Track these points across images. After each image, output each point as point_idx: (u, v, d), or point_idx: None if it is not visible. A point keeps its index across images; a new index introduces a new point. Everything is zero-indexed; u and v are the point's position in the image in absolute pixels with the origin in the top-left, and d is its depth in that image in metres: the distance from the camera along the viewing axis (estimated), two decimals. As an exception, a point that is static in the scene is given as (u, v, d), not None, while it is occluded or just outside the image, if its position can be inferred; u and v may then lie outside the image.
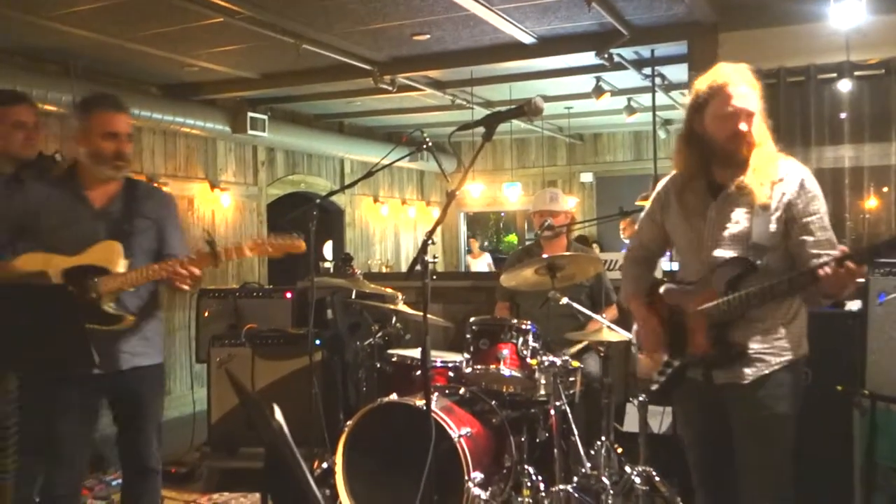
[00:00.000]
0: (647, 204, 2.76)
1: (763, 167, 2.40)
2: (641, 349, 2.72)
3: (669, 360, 2.55)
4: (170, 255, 2.92)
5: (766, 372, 2.39)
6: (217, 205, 7.98)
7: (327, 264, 8.25)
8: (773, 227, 2.38)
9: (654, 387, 2.60)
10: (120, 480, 4.33)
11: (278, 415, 1.63)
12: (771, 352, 2.40)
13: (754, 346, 2.40)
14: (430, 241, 2.54)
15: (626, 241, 8.95)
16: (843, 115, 5.17)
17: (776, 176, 2.40)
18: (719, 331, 2.42)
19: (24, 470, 2.75)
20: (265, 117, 7.94)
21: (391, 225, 11.51)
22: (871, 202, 5.86)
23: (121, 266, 2.78)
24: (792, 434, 2.43)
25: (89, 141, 2.82)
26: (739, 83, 2.41)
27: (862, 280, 3.43)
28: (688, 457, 2.66)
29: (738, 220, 2.42)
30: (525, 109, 2.43)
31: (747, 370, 2.40)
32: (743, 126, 2.39)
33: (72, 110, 2.93)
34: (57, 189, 2.87)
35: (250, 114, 7.73)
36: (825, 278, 2.19)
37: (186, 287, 2.80)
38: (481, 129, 2.55)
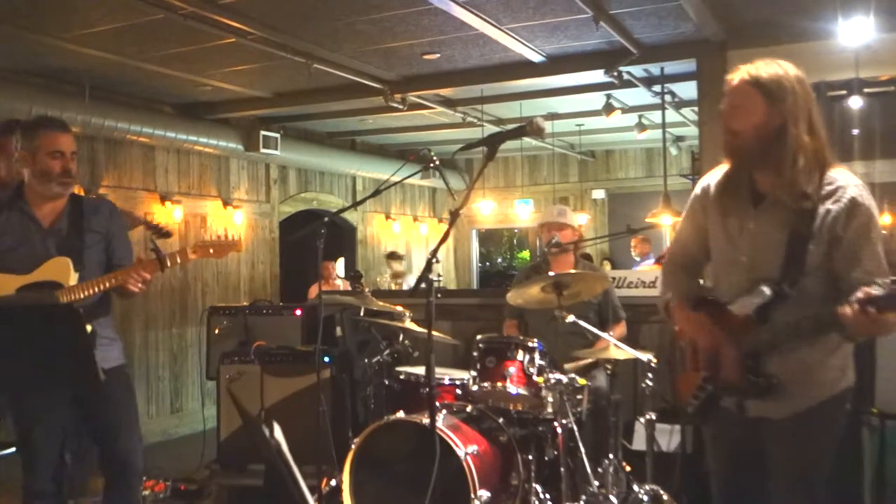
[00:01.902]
0: (689, 200, 2.50)
1: (808, 177, 2.14)
2: (678, 369, 2.52)
3: (703, 384, 2.37)
4: (119, 266, 3.05)
5: (803, 408, 2.21)
6: (230, 222, 8.04)
7: (338, 281, 8.29)
8: (812, 247, 2.14)
9: (690, 409, 2.44)
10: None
11: (278, 433, 1.65)
12: (808, 386, 2.21)
13: (790, 379, 2.19)
14: (434, 260, 2.56)
15: (637, 259, 8.95)
16: (855, 132, 5.15)
17: (824, 189, 2.15)
18: (752, 360, 2.22)
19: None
20: (278, 135, 8.01)
21: (403, 242, 11.54)
22: (885, 219, 5.82)
23: (72, 279, 2.89)
24: (827, 471, 2.26)
25: (36, 160, 2.93)
26: (736, 75, 2.22)
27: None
28: (712, 482, 2.50)
29: (777, 238, 2.19)
30: (527, 129, 2.44)
31: (782, 405, 2.22)
32: (729, 121, 2.22)
33: (16, 134, 3.08)
34: (5, 211, 2.97)
35: (263, 132, 7.80)
36: (845, 319, 1.95)
37: (136, 289, 2.92)
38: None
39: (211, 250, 3.04)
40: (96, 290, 2.89)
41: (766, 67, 2.20)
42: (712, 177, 2.42)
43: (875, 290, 1.94)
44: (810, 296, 2.13)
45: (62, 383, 2.70)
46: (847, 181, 2.17)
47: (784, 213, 2.18)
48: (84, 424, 3.07)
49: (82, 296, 2.86)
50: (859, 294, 1.94)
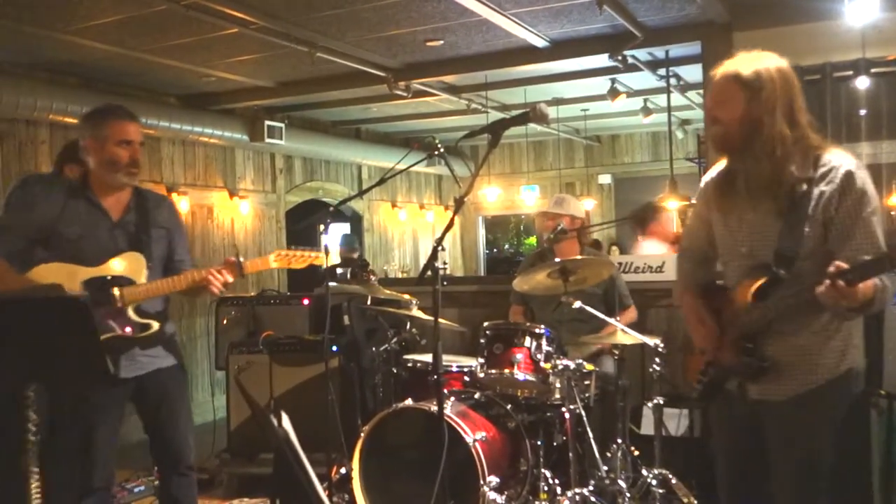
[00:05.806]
0: (696, 199, 2.59)
1: (799, 162, 2.18)
2: (691, 351, 2.56)
3: (706, 368, 2.41)
4: (180, 261, 3.08)
5: (803, 391, 2.22)
6: (236, 213, 8.06)
7: (339, 270, 8.26)
8: (806, 231, 2.17)
9: (694, 393, 2.49)
10: (142, 487, 4.43)
11: (286, 422, 1.66)
12: (807, 369, 2.22)
13: (788, 361, 2.23)
14: (439, 248, 2.56)
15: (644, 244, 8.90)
16: (862, 113, 5.11)
17: (819, 171, 2.18)
18: (751, 342, 2.26)
19: (64, 477, 2.81)
20: (282, 125, 8.00)
21: (409, 230, 11.54)
22: (893, 199, 5.79)
23: (143, 276, 2.89)
24: (830, 456, 2.24)
25: (104, 149, 2.87)
26: (719, 70, 2.27)
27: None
28: (716, 465, 2.52)
29: (772, 224, 2.23)
30: (530, 116, 2.43)
31: (781, 387, 2.24)
32: (713, 114, 2.29)
33: (82, 121, 3.00)
34: (72, 199, 2.89)
35: (267, 122, 7.79)
36: (821, 296, 1.98)
37: (217, 291, 2.95)
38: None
39: (292, 260, 3.03)
40: (175, 287, 2.87)
41: (746, 60, 2.24)
42: (712, 173, 2.48)
43: (851, 264, 1.96)
44: (807, 278, 2.11)
45: (73, 377, 2.68)
46: (841, 162, 2.19)
47: (779, 200, 2.21)
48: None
49: (161, 293, 2.88)
50: (831, 269, 1.96)
